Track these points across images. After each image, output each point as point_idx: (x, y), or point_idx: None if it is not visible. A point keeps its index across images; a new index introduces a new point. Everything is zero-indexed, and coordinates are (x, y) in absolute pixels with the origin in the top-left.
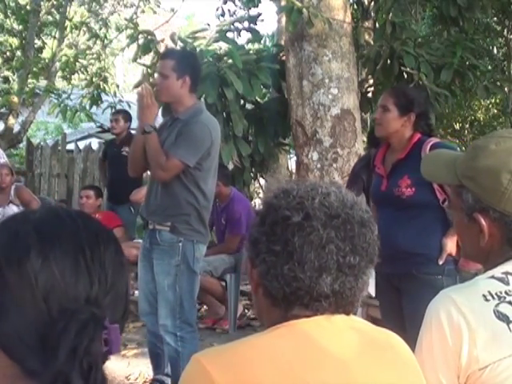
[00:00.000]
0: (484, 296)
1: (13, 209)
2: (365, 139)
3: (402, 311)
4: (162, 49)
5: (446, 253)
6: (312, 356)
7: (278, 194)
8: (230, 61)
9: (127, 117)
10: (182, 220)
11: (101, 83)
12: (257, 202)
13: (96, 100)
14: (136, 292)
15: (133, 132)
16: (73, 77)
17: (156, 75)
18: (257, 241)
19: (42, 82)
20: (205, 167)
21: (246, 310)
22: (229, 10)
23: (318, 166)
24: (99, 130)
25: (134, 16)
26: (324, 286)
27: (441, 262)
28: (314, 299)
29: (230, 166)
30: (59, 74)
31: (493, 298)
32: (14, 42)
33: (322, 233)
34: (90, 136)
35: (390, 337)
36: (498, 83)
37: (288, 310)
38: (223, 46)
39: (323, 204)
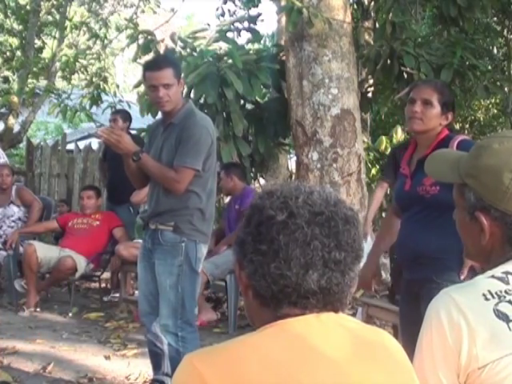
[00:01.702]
0: (484, 295)
1: (13, 209)
2: (365, 139)
3: (421, 321)
4: (162, 49)
5: (467, 267)
6: (303, 355)
7: (262, 195)
8: (230, 61)
9: (125, 116)
10: (185, 220)
11: (101, 83)
12: None
13: (96, 100)
14: (136, 292)
15: (132, 132)
16: (73, 77)
17: (157, 86)
18: (243, 242)
19: (42, 82)
20: (207, 166)
21: None
22: (229, 10)
23: (318, 165)
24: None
25: (134, 16)
26: (311, 282)
27: (462, 277)
28: (302, 296)
29: None
30: (59, 74)
31: (493, 297)
32: (14, 42)
33: (307, 230)
34: (89, 136)
35: (381, 336)
36: (498, 83)
37: (277, 309)
38: (223, 46)
39: (307, 202)
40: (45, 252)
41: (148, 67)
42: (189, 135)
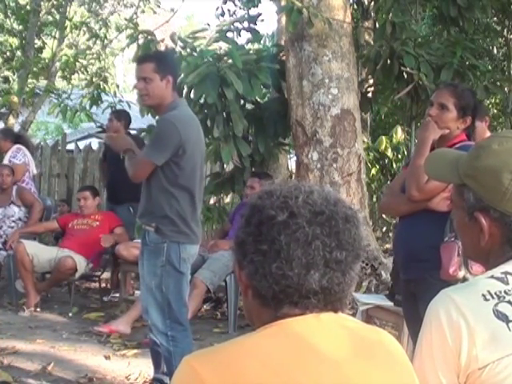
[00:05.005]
0: (483, 296)
1: (14, 209)
2: (365, 139)
3: (420, 321)
4: (162, 49)
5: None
6: (302, 355)
7: (261, 195)
8: (230, 61)
9: (120, 116)
10: (166, 221)
11: (101, 83)
12: None
13: (96, 100)
14: (136, 292)
15: (132, 132)
16: (73, 77)
17: (137, 80)
18: (243, 242)
19: (42, 82)
20: (183, 166)
21: None
22: (229, 10)
23: (318, 166)
24: (99, 129)
25: (134, 16)
26: (312, 282)
27: (452, 270)
28: (303, 296)
29: (230, 166)
30: (59, 74)
31: (492, 297)
32: (14, 41)
33: (308, 230)
34: (90, 136)
35: (381, 335)
36: (498, 83)
37: (278, 309)
38: (223, 46)
39: (307, 202)
40: (37, 250)
41: (135, 61)
42: (155, 129)
